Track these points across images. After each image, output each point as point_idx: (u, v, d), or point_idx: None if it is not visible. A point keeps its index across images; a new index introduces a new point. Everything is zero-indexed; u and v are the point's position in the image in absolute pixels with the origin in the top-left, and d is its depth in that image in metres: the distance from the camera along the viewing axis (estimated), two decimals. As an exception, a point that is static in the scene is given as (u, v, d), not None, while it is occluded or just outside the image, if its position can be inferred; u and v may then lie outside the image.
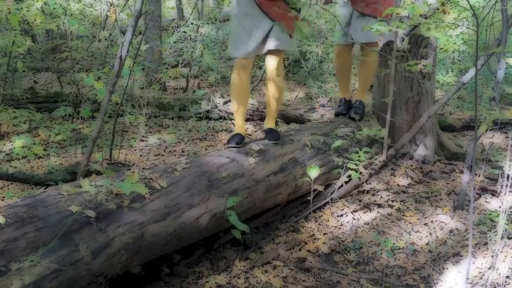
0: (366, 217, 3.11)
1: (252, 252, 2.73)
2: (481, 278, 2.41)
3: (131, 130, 4.61)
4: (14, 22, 3.96)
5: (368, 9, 3.40)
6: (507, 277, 2.38)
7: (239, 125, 3.11)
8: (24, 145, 3.75)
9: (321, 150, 3.28)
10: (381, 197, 3.33)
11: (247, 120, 5.10)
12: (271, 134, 3.13)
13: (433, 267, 2.59)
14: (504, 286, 2.30)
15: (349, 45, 3.68)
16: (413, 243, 2.83)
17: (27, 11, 4.17)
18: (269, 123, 3.21)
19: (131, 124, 4.58)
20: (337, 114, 3.79)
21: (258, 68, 6.30)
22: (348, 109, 3.76)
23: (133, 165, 3.57)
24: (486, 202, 3.27)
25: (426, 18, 3.22)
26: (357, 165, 3.24)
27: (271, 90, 3.12)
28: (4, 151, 3.87)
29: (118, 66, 2.82)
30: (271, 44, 2.96)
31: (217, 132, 4.73)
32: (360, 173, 3.26)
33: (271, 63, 3.05)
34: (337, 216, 3.12)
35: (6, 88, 4.67)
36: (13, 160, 3.83)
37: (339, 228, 3.01)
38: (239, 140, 2.95)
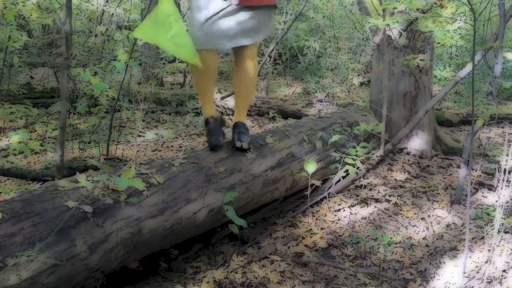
0: (364, 211, 3.12)
1: (250, 247, 2.73)
2: (477, 272, 2.42)
3: (128, 126, 4.60)
4: (10, 16, 3.94)
5: None
6: (504, 271, 2.39)
7: None
8: (20, 140, 3.75)
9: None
10: (378, 191, 3.33)
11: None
12: None
13: (430, 261, 2.60)
14: (501, 280, 2.31)
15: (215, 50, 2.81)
16: (410, 237, 2.84)
17: (23, 5, 4.15)
18: None
19: (128, 119, 4.57)
20: (214, 147, 2.71)
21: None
22: (223, 132, 2.84)
23: (130, 160, 3.57)
24: (483, 196, 3.28)
25: (423, 12, 3.22)
26: (354, 160, 3.24)
27: None
28: (1, 147, 3.86)
29: (66, 45, 2.51)
30: None
31: (215, 127, 4.71)
32: (358, 168, 3.27)
33: None
34: (335, 211, 3.12)
35: (2, 83, 4.64)
36: (9, 155, 3.82)
37: (337, 222, 3.01)
38: None
